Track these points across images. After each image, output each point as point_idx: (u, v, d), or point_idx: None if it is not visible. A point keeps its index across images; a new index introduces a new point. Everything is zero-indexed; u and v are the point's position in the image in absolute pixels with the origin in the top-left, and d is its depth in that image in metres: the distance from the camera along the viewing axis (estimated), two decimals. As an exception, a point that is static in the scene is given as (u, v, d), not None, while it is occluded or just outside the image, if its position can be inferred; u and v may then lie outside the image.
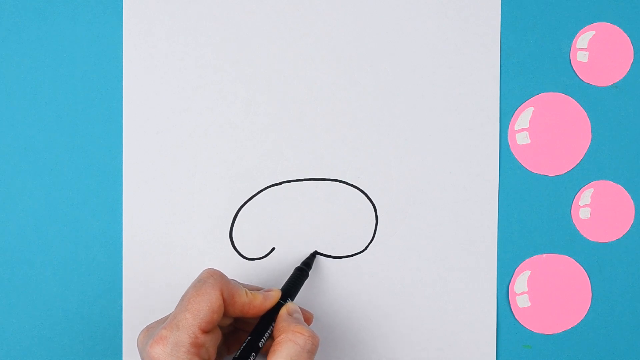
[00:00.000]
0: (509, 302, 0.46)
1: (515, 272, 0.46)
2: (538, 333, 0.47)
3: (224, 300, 0.37)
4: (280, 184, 0.45)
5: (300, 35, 0.45)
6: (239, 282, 0.40)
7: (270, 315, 0.39)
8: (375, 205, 0.46)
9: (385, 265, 0.46)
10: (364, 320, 0.45)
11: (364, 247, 0.46)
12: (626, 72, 0.47)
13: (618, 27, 0.47)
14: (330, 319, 0.45)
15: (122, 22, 0.45)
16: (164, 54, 0.45)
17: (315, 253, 0.45)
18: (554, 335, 0.47)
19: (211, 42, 0.45)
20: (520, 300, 0.46)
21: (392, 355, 0.46)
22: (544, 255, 0.47)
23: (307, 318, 0.43)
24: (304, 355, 0.36)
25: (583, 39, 0.47)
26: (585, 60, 0.47)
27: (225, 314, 0.38)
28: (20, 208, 0.44)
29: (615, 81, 0.47)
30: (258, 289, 0.41)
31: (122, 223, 0.45)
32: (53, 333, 0.45)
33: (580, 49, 0.47)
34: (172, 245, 0.45)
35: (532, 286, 0.46)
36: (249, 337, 0.38)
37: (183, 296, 0.37)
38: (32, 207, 0.44)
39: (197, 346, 0.35)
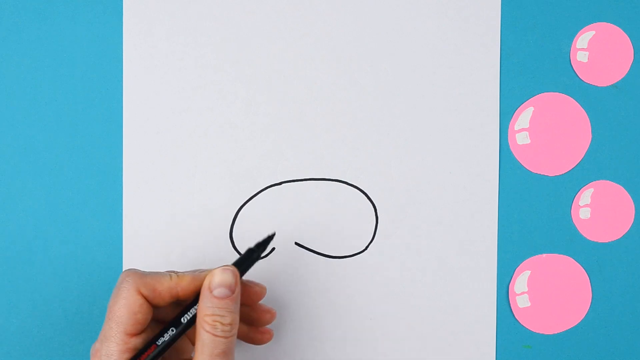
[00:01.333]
0: (509, 302, 0.46)
1: (515, 272, 0.46)
2: (538, 333, 0.47)
3: (145, 296, 0.36)
4: (280, 184, 0.45)
5: (300, 35, 0.45)
6: (159, 272, 0.38)
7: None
8: (375, 205, 0.46)
9: (385, 265, 0.46)
10: (363, 321, 0.45)
11: (364, 247, 0.46)
12: (626, 72, 0.47)
13: (618, 27, 0.47)
14: (330, 319, 0.45)
15: (122, 22, 0.45)
16: (164, 54, 0.45)
17: (273, 235, 0.41)
18: (554, 335, 0.47)
19: (211, 42, 0.45)
20: (520, 300, 0.46)
21: (392, 355, 0.46)
22: (544, 255, 0.47)
23: (257, 292, 0.40)
24: (218, 340, 0.35)
25: (583, 39, 0.47)
26: (585, 60, 0.47)
27: (156, 305, 0.37)
28: (20, 208, 0.44)
29: (615, 81, 0.47)
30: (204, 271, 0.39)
31: (122, 223, 0.45)
32: (53, 333, 0.45)
33: (580, 49, 0.47)
34: (172, 245, 0.45)
35: (532, 286, 0.46)
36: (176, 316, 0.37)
37: (107, 305, 0.36)
38: (32, 207, 0.44)
39: (129, 351, 0.35)
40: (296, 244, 0.45)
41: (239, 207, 0.45)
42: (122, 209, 0.45)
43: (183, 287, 0.37)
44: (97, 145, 0.45)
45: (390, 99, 0.46)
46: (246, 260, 0.39)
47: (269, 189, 0.45)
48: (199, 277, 0.37)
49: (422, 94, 0.46)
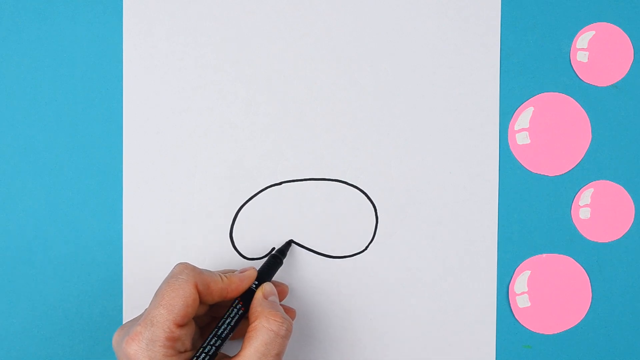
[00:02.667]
0: (509, 302, 0.46)
1: (515, 272, 0.46)
2: (538, 333, 0.47)
3: (199, 292, 0.37)
4: (280, 184, 0.45)
5: (300, 35, 0.45)
6: (211, 270, 0.40)
7: (245, 296, 0.40)
8: (375, 205, 0.46)
9: (385, 265, 0.46)
10: (364, 320, 0.45)
11: (364, 247, 0.46)
12: (626, 72, 0.47)
13: (618, 27, 0.47)
14: (330, 319, 0.45)
15: (122, 22, 0.45)
16: (164, 54, 0.45)
17: (291, 242, 0.45)
18: (554, 335, 0.47)
19: (211, 42, 0.45)
20: (520, 300, 0.46)
21: (392, 355, 0.46)
22: (544, 255, 0.47)
23: (283, 291, 0.43)
24: (278, 341, 0.37)
25: (583, 39, 0.47)
26: (585, 60, 0.47)
27: (204, 302, 0.38)
28: (20, 208, 0.44)
29: (615, 81, 0.47)
30: (232, 271, 0.42)
31: (122, 223, 0.45)
32: (53, 333, 0.45)
33: (580, 49, 0.47)
34: (172, 245, 0.45)
35: (532, 286, 0.46)
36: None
37: (157, 292, 0.37)
38: (32, 207, 0.44)
39: (172, 340, 0.36)
40: (296, 243, 0.45)
41: (239, 207, 0.45)
42: (122, 209, 0.45)
43: (232, 289, 0.39)
44: (97, 145, 0.45)
45: (390, 99, 0.46)
46: (272, 267, 0.42)
47: (269, 189, 0.45)
48: (244, 279, 0.40)
49: (422, 94, 0.46)
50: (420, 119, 0.46)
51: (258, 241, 0.45)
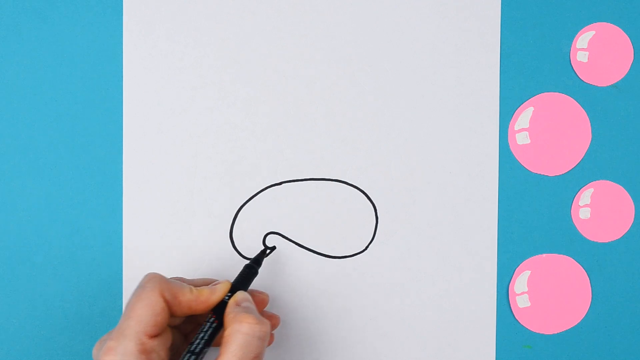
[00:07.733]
0: (509, 302, 0.46)
1: (515, 272, 0.46)
2: (538, 333, 0.47)
3: (167, 301, 0.36)
4: (280, 184, 0.45)
5: (300, 35, 0.45)
6: (182, 281, 0.39)
7: (219, 309, 0.39)
8: (375, 205, 0.46)
9: (385, 265, 0.46)
10: (364, 320, 0.45)
11: (364, 247, 0.46)
12: (626, 72, 0.47)
13: (618, 27, 0.47)
14: (330, 319, 0.45)
15: (122, 22, 0.45)
16: (164, 54, 0.45)
17: (265, 250, 0.44)
18: (554, 335, 0.47)
19: (211, 42, 0.45)
20: (520, 300, 0.46)
21: (392, 355, 0.46)
22: (544, 255, 0.47)
23: (262, 300, 0.42)
24: (254, 343, 0.36)
25: (583, 39, 0.47)
26: (585, 60, 0.47)
27: (173, 314, 0.37)
28: (20, 208, 0.44)
29: (615, 81, 0.47)
30: (210, 282, 0.41)
31: (122, 223, 0.45)
32: (53, 333, 0.45)
33: (580, 49, 0.47)
34: (172, 245, 0.45)
35: (532, 286, 0.46)
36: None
37: (126, 304, 0.36)
38: (32, 207, 0.44)
39: (145, 352, 0.35)
40: (296, 244, 0.45)
41: (239, 207, 0.45)
42: (122, 209, 0.45)
43: (202, 301, 0.38)
44: (97, 145, 0.45)
45: (390, 99, 0.46)
46: (247, 277, 0.41)
47: (269, 189, 0.45)
48: (215, 292, 0.38)
49: (422, 94, 0.46)
50: (420, 119, 0.46)
51: (258, 241, 0.45)
